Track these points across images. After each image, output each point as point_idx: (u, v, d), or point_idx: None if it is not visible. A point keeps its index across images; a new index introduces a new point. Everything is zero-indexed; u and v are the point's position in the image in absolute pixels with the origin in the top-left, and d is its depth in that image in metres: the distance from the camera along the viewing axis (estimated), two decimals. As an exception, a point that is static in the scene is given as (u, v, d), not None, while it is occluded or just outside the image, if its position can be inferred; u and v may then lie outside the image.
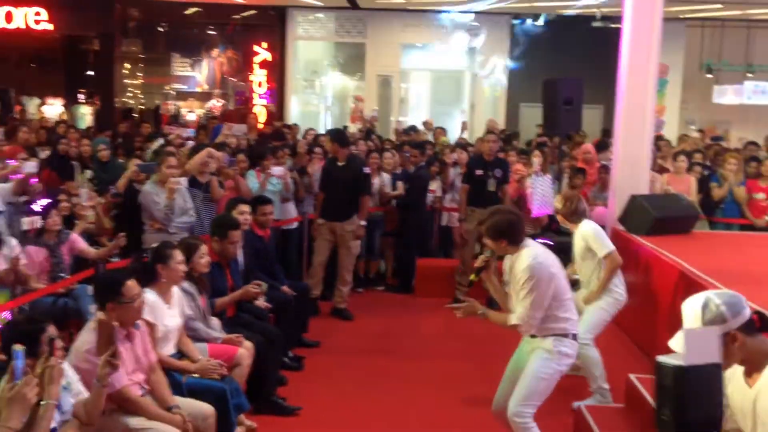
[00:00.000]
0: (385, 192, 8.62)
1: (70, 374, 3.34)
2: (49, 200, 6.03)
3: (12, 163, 6.91)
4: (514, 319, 4.00)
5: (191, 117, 17.01)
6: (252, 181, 7.56)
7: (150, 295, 4.19)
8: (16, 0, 14.37)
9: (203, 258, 4.86)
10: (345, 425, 5.07)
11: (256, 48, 15.67)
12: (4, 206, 6.20)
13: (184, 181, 6.51)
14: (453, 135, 12.58)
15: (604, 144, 9.70)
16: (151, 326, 4.13)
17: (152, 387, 3.92)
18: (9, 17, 14.42)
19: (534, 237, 6.90)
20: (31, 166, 6.47)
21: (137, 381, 3.83)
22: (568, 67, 13.25)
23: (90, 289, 5.41)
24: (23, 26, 14.50)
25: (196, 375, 4.34)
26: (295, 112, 15.78)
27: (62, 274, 5.80)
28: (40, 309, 5.31)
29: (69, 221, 6.32)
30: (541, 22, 14.37)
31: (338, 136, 7.78)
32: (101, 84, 15.94)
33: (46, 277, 5.76)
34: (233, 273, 5.50)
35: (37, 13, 14.48)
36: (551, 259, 4.03)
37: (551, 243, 6.67)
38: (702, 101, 15.31)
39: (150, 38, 17.47)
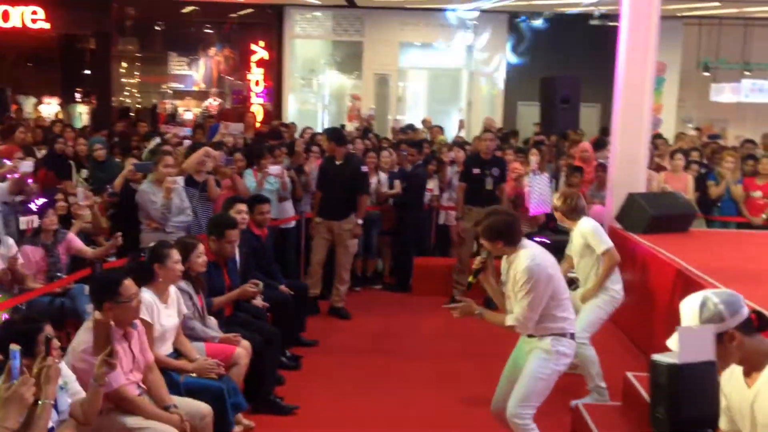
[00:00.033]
0: (382, 191, 8.62)
1: (67, 374, 3.33)
2: (46, 200, 6.02)
3: (8, 162, 6.90)
4: (510, 320, 4.00)
5: (188, 116, 17.00)
6: (249, 180, 7.55)
7: (147, 295, 4.19)
8: (13, -2, 14.37)
9: (200, 257, 4.86)
10: (343, 424, 5.07)
11: (253, 46, 15.66)
12: (0, 205, 6.19)
13: (180, 180, 6.49)
14: (450, 133, 12.58)
15: (601, 142, 9.70)
16: (148, 326, 4.13)
17: (149, 386, 3.91)
18: (6, 16, 14.39)
19: (531, 235, 6.91)
20: (27, 165, 6.46)
21: (134, 380, 3.82)
22: (566, 65, 13.25)
23: (87, 288, 5.39)
24: (20, 25, 14.47)
25: (193, 374, 4.34)
26: (292, 110, 15.78)
27: (59, 274, 5.79)
28: (36, 308, 5.31)
29: (66, 221, 6.31)
30: (540, 20, 14.38)
31: (336, 134, 7.77)
32: (98, 83, 15.92)
33: (43, 277, 5.76)
34: (230, 272, 5.49)
35: (34, 12, 14.46)
36: (549, 260, 4.02)
37: (548, 241, 6.69)
38: (699, 99, 15.33)
39: (147, 37, 17.44)
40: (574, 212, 5.36)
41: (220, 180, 7.02)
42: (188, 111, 17.72)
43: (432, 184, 8.95)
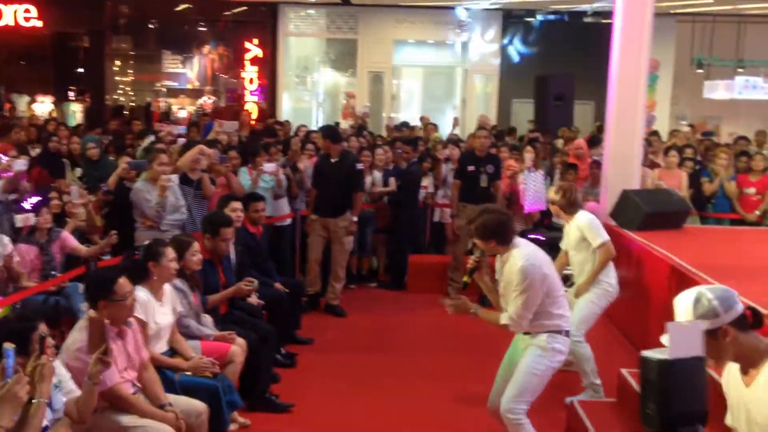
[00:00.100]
0: (377, 189, 8.61)
1: (61, 372, 3.32)
2: (40, 198, 6.00)
3: (3, 157, 6.88)
4: (504, 318, 4.00)
5: (182, 114, 16.92)
6: (244, 178, 7.54)
7: (142, 293, 4.18)
8: (6, -3, 14.33)
9: (195, 255, 4.85)
10: (338, 422, 5.07)
11: (247, 44, 15.63)
12: (-6, 204, 6.17)
13: (175, 178, 6.48)
14: (445, 131, 12.57)
15: (596, 140, 9.71)
16: (142, 324, 4.12)
17: (144, 385, 3.91)
18: (-2, 14, 14.37)
19: (525, 233, 6.92)
20: (20, 164, 6.44)
21: (129, 379, 3.82)
22: (560, 63, 13.26)
23: (81, 287, 5.40)
24: (12, 23, 14.43)
25: (188, 372, 4.33)
26: (286, 108, 15.76)
27: (53, 272, 5.78)
28: (31, 307, 5.30)
29: (60, 219, 6.29)
30: (539, 18, 14.40)
31: (330, 132, 7.77)
32: (91, 81, 15.89)
33: (37, 275, 5.74)
34: (225, 270, 5.49)
35: (27, 10, 14.42)
36: (543, 259, 4.02)
37: (542, 239, 6.69)
38: (693, 96, 15.35)
39: (140, 35, 17.38)
40: (572, 206, 5.36)
41: (214, 178, 7.01)
42: (182, 109, 17.65)
43: (427, 182, 8.95)
